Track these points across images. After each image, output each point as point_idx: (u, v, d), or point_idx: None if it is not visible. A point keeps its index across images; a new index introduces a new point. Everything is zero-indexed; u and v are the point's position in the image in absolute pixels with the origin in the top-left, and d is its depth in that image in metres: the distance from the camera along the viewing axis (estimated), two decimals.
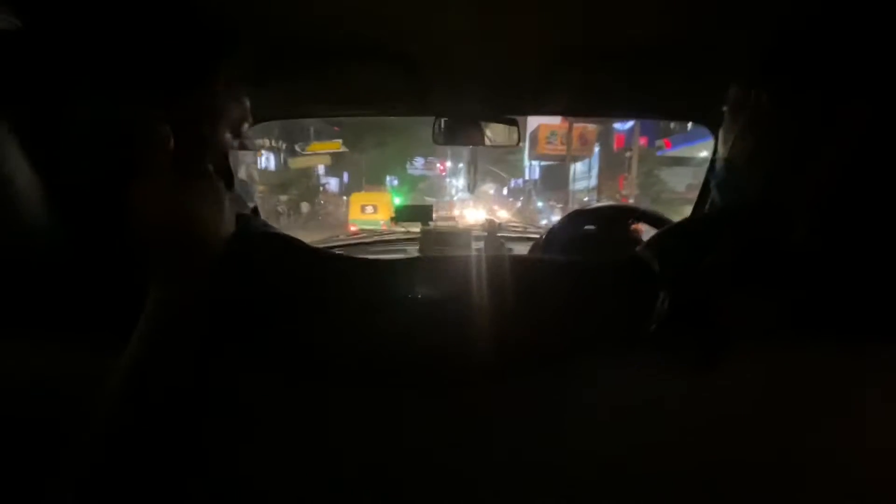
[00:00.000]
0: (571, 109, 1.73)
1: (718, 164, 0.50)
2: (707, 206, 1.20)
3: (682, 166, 12.33)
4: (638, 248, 0.43)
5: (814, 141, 0.40)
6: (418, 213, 1.81)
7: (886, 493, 0.37)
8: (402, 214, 1.84)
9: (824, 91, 0.39)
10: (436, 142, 1.46)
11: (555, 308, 0.38)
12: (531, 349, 0.38)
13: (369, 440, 0.37)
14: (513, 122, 1.43)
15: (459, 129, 1.43)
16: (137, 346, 0.36)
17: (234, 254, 0.41)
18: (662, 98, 1.25)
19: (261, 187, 11.99)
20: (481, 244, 1.64)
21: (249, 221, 0.52)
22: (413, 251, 1.65)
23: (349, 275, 0.42)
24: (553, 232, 1.39)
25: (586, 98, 1.28)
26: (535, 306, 0.38)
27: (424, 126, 1.46)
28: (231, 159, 0.45)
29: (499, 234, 1.73)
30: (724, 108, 0.48)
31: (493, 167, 20.26)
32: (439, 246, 1.60)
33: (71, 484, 0.35)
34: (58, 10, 0.36)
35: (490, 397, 0.38)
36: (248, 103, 0.46)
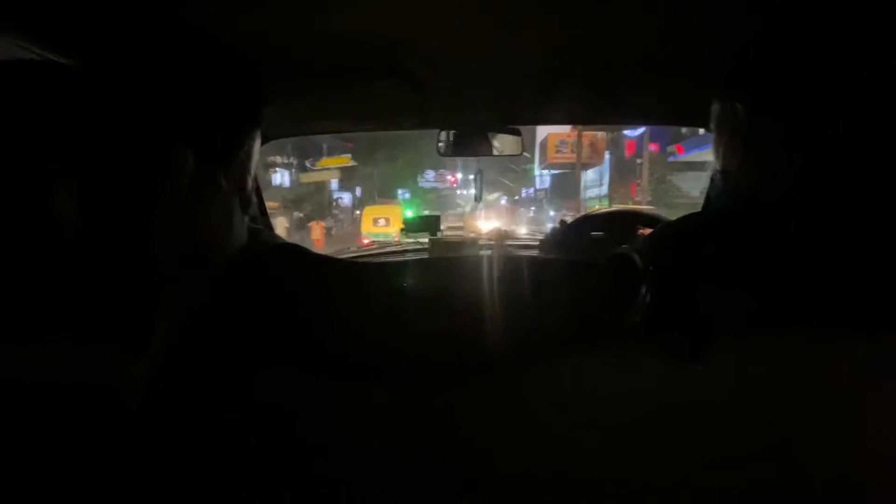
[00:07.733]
0: (575, 118, 1.75)
1: (712, 170, 0.52)
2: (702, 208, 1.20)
3: (696, 171, 12.21)
4: (625, 246, 0.45)
5: (796, 145, 0.42)
6: (426, 223, 1.84)
7: (869, 485, 0.38)
8: (411, 226, 1.87)
9: (805, 97, 0.41)
10: (441, 154, 1.49)
11: (549, 301, 0.41)
12: (526, 340, 0.40)
13: (378, 432, 0.39)
14: (517, 132, 1.46)
15: (465, 141, 1.45)
16: (155, 351, 0.39)
17: (247, 263, 0.44)
18: (664, 104, 1.26)
19: (274, 204, 12.21)
20: (489, 253, 1.67)
21: (261, 233, 0.55)
22: None
23: (357, 277, 0.45)
24: (562, 235, 1.41)
25: (589, 106, 1.30)
26: (532, 300, 0.41)
27: (434, 139, 1.49)
28: (249, 178, 0.47)
29: (506, 242, 1.75)
30: (713, 117, 0.50)
31: (500, 177, 20.31)
32: (448, 255, 1.64)
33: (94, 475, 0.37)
34: (77, 42, 0.39)
35: (488, 389, 0.39)
36: (260, 121, 0.49)
